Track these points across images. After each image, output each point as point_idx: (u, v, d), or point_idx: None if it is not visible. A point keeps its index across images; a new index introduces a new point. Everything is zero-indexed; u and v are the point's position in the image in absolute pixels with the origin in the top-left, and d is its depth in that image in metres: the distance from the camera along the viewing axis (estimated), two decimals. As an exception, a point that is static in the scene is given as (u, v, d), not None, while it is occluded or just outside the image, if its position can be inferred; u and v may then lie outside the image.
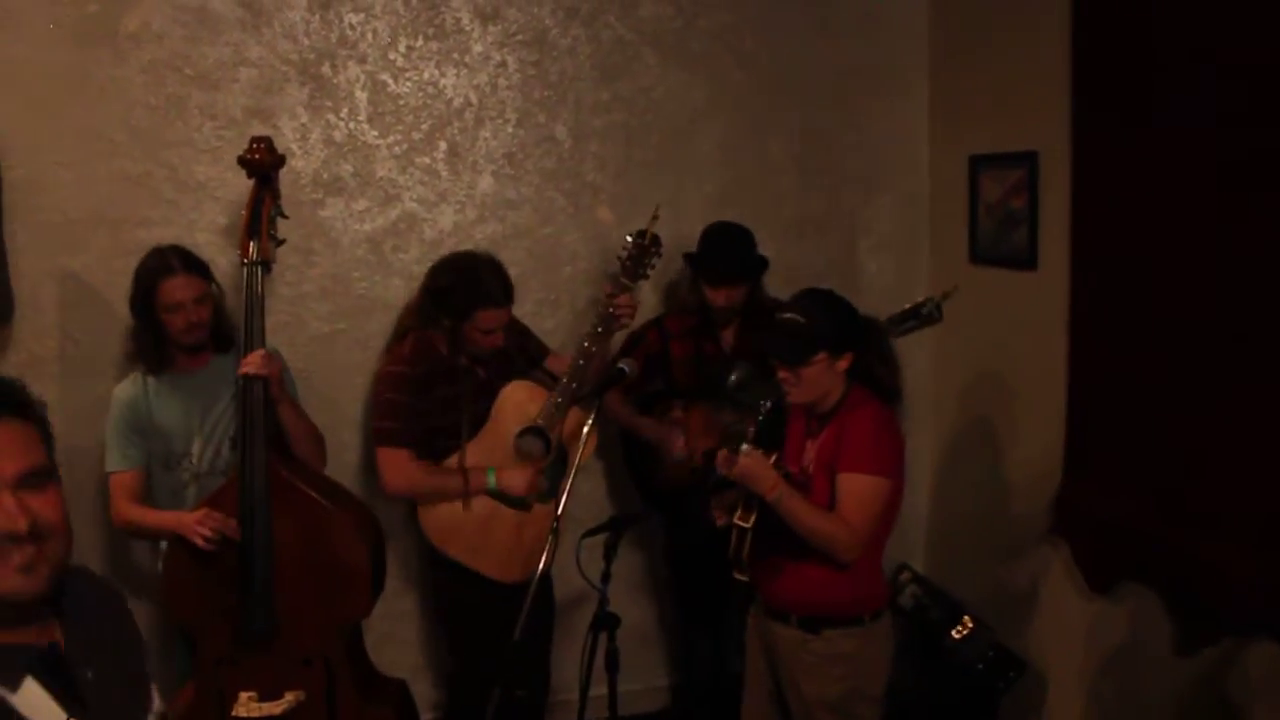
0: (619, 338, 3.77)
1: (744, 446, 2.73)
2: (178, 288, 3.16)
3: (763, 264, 3.73)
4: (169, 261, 3.20)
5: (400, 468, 3.35)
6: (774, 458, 2.81)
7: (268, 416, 3.13)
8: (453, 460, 3.43)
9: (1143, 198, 3.22)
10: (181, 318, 3.17)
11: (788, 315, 2.88)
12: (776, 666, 3.05)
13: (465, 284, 3.36)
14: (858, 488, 2.79)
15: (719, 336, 3.79)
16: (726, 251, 3.69)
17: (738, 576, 2.91)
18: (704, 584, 3.87)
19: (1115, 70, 3.32)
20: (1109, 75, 3.35)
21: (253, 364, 3.08)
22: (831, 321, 2.85)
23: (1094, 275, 3.47)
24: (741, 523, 2.82)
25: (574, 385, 3.47)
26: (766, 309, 3.57)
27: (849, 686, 2.91)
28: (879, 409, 2.87)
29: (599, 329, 3.48)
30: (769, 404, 2.89)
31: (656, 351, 3.82)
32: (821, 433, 2.92)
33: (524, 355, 3.68)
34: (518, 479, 3.43)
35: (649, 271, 3.56)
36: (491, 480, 3.41)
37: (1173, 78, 3.09)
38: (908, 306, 3.25)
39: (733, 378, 3.24)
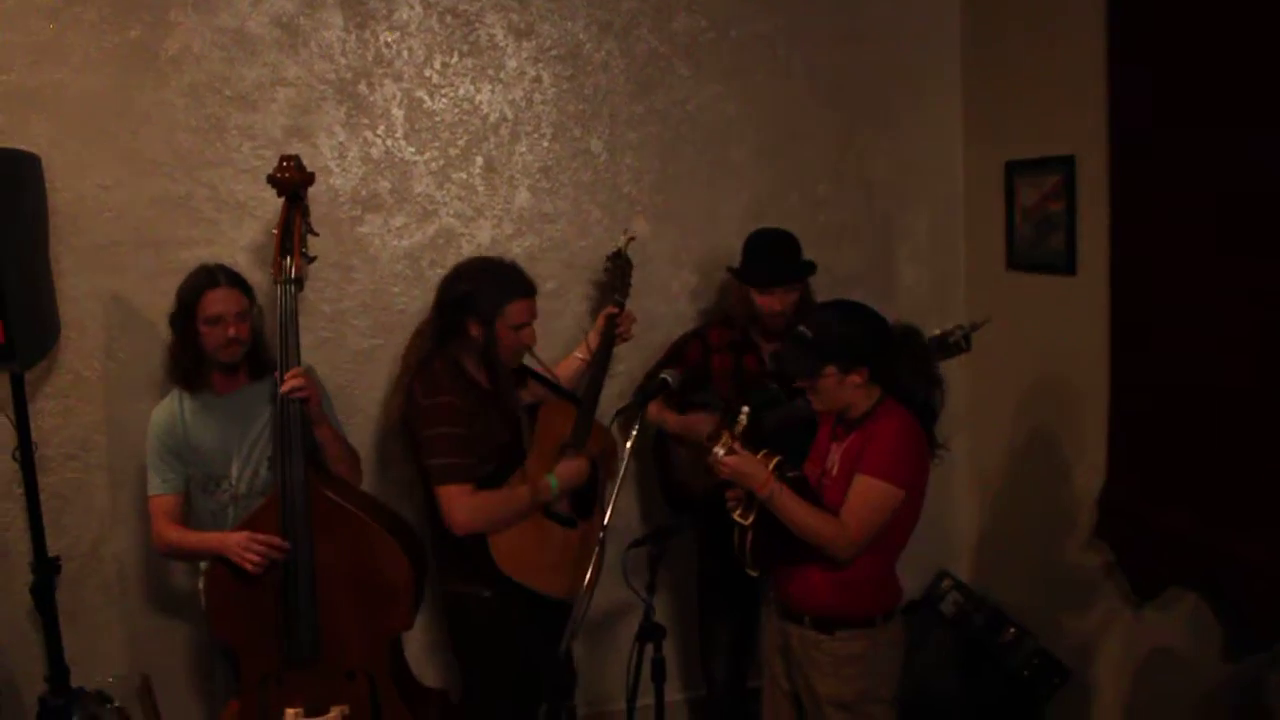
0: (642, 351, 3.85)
1: (718, 450, 2.81)
2: (220, 300, 3.19)
3: (811, 266, 3.67)
4: (214, 275, 3.23)
5: (470, 503, 3.22)
6: (775, 460, 2.85)
7: (305, 434, 3.14)
8: (513, 482, 3.36)
9: (1182, 200, 3.20)
10: (221, 331, 3.18)
11: (800, 328, 2.93)
12: (792, 667, 3.08)
13: (489, 281, 3.33)
14: (865, 490, 2.83)
15: (760, 350, 3.72)
16: (775, 254, 3.64)
17: (748, 572, 2.99)
18: (724, 603, 3.86)
19: (1153, 71, 3.29)
20: (1147, 76, 3.32)
21: (294, 383, 3.10)
22: (843, 337, 2.87)
23: (1134, 279, 3.44)
24: (741, 520, 2.90)
25: (593, 397, 3.58)
26: None
27: (861, 687, 2.95)
28: (906, 420, 2.89)
29: (604, 350, 3.64)
30: (746, 407, 2.93)
31: (698, 363, 3.76)
32: (848, 438, 2.95)
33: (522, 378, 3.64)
34: (576, 470, 3.40)
35: (627, 290, 3.76)
36: (554, 482, 3.35)
37: (1211, 78, 3.07)
38: (935, 334, 3.25)
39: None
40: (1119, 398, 3.53)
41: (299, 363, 3.16)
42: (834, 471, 2.97)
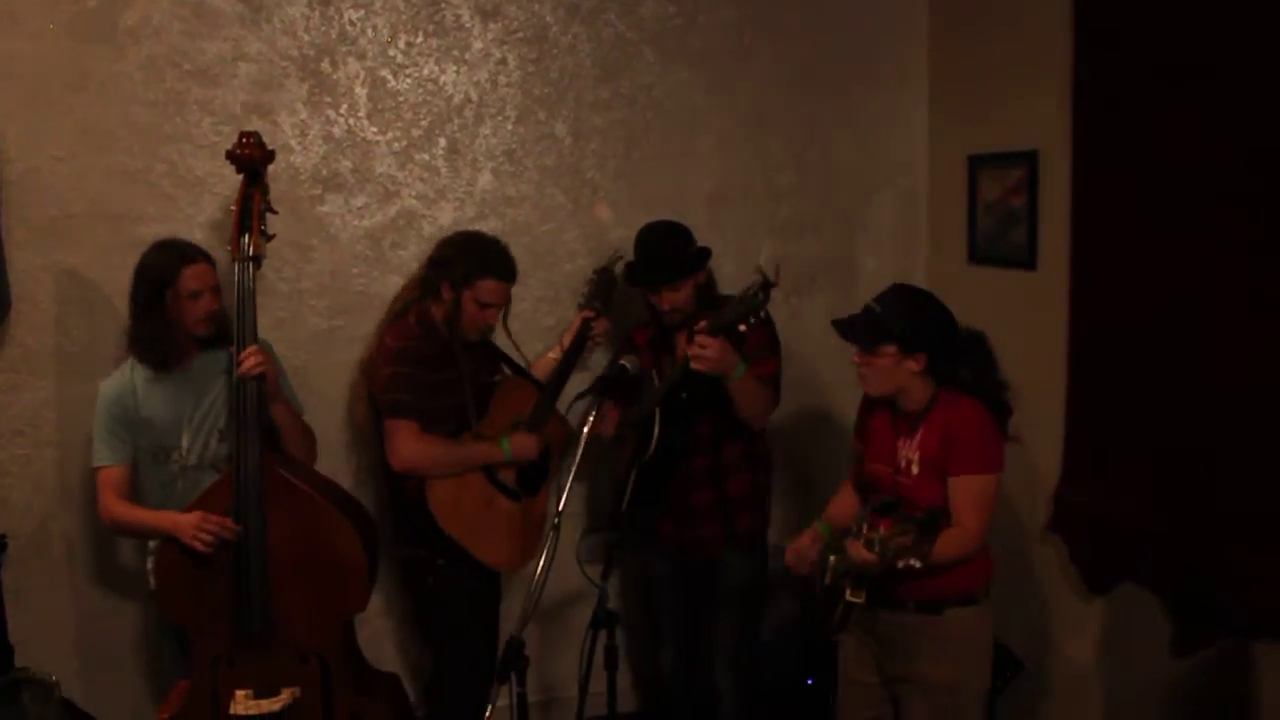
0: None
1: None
2: (198, 275, 3.17)
3: (699, 258, 3.55)
4: (187, 251, 3.21)
5: (415, 438, 3.31)
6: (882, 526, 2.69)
7: (261, 413, 3.11)
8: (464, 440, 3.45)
9: (1143, 196, 3.22)
10: (202, 305, 3.17)
11: (870, 302, 2.94)
12: (885, 658, 3.05)
13: (470, 251, 3.42)
14: (971, 489, 2.84)
15: (674, 346, 3.61)
16: (655, 252, 3.54)
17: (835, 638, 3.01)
18: (671, 599, 3.83)
19: (1117, 68, 3.31)
20: (1110, 73, 3.34)
21: (250, 362, 3.07)
22: (909, 319, 2.88)
23: (1094, 275, 3.46)
24: (854, 599, 2.84)
25: (555, 390, 3.65)
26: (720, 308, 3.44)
27: (967, 665, 2.97)
28: (975, 405, 2.90)
29: (575, 348, 3.71)
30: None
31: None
32: (917, 432, 2.93)
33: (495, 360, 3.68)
34: (529, 443, 3.49)
35: (608, 303, 3.82)
36: (506, 447, 3.44)
37: (1174, 74, 3.09)
38: (734, 297, 3.24)
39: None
40: (1076, 393, 3.55)
41: (255, 341, 3.13)
42: (914, 471, 2.93)
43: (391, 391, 3.33)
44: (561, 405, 3.70)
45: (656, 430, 3.39)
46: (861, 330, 2.90)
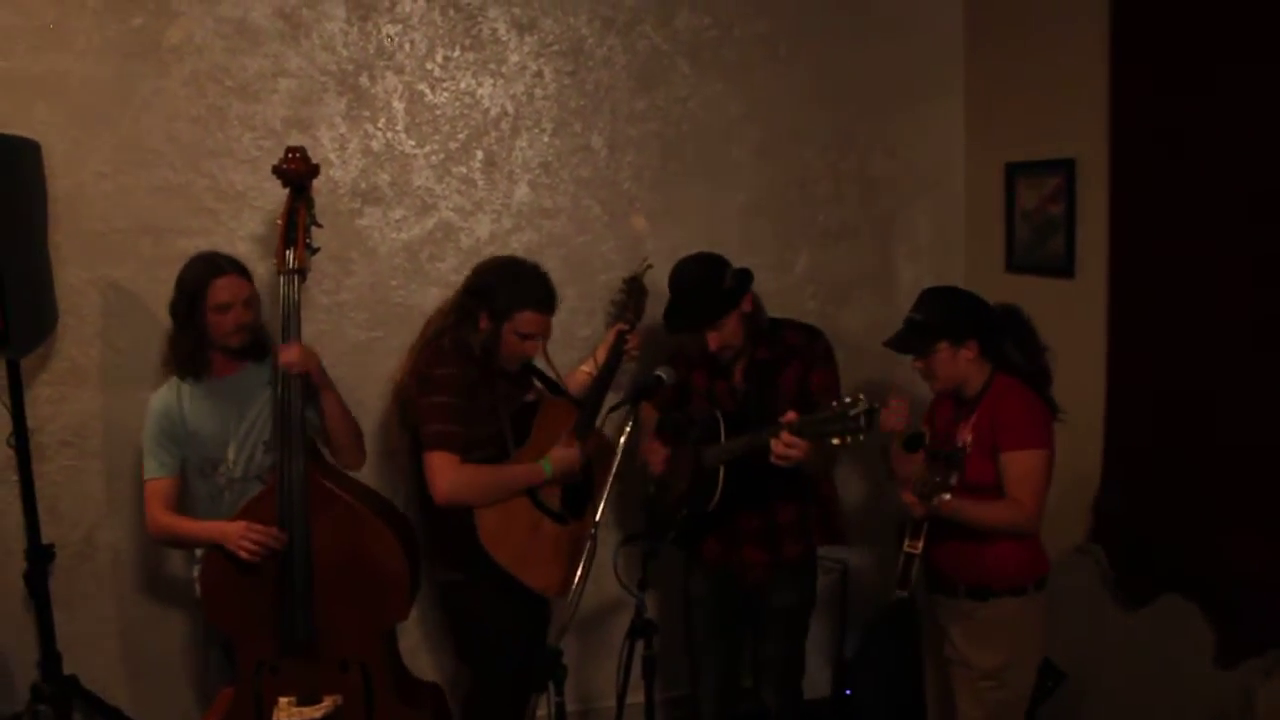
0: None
1: (940, 499, 2.76)
2: (228, 287, 3.21)
3: (736, 291, 3.34)
4: (218, 263, 3.25)
5: (455, 469, 3.23)
6: (954, 476, 2.79)
7: (305, 417, 3.14)
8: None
9: (1182, 204, 3.20)
10: (231, 318, 3.21)
11: (909, 315, 3.11)
12: (941, 641, 3.18)
13: (510, 283, 3.34)
14: (1019, 463, 2.94)
15: (730, 373, 3.48)
16: (688, 295, 3.36)
17: (898, 594, 2.96)
18: (713, 626, 3.71)
19: (1155, 74, 3.30)
20: (1148, 79, 3.33)
21: (291, 357, 3.10)
22: (947, 313, 3.05)
23: (1133, 283, 3.45)
24: (911, 550, 2.89)
25: (594, 405, 3.58)
26: (770, 335, 3.43)
27: (1012, 653, 3.06)
28: (1022, 389, 3.03)
29: (610, 364, 3.63)
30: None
31: (682, 376, 3.53)
32: (973, 416, 3.04)
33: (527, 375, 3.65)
34: (571, 455, 3.41)
35: (640, 313, 3.77)
36: (547, 466, 3.37)
37: (1212, 81, 3.07)
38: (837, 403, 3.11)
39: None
40: (1115, 402, 3.53)
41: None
42: (968, 450, 3.02)
43: (432, 423, 3.24)
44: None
45: (720, 486, 3.29)
46: (911, 340, 3.07)
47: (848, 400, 2.84)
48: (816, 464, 3.21)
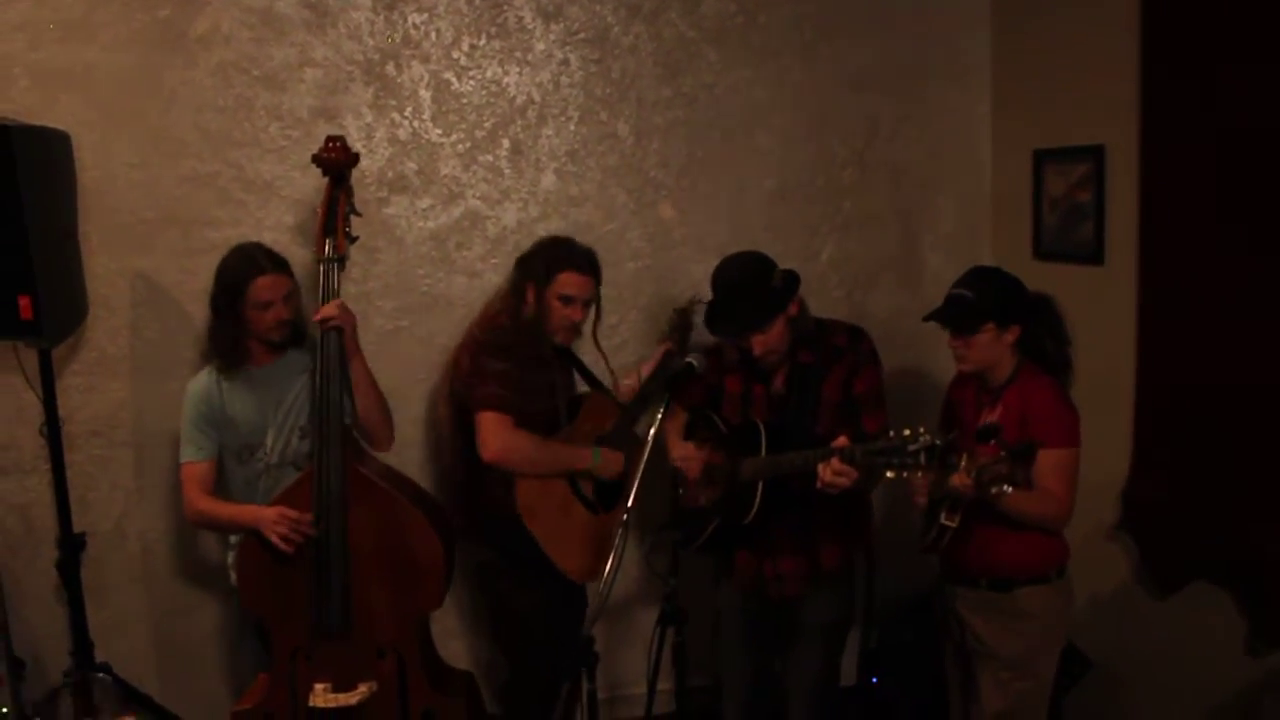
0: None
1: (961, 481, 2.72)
2: (269, 286, 3.22)
3: (785, 293, 3.16)
4: (259, 260, 3.24)
5: (507, 432, 3.25)
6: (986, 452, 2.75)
7: (344, 387, 3.16)
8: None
9: (1212, 191, 3.19)
10: (272, 315, 3.22)
11: (956, 291, 3.02)
12: (962, 633, 3.16)
13: (549, 248, 3.44)
14: (1055, 462, 2.89)
15: (768, 377, 3.30)
16: (734, 297, 3.17)
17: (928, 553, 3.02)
18: (741, 638, 3.56)
19: (1185, 60, 3.28)
20: (1178, 65, 3.31)
21: (331, 311, 3.12)
22: (996, 294, 2.99)
23: (1163, 270, 3.43)
24: (948, 523, 2.89)
25: (635, 414, 3.56)
26: (814, 337, 3.25)
27: (1035, 642, 3.06)
28: (1052, 381, 3.00)
29: (654, 379, 3.55)
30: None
31: (712, 381, 3.43)
32: (998, 405, 3.02)
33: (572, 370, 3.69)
34: (616, 461, 3.45)
35: (685, 347, 3.59)
36: (597, 456, 3.41)
37: (1243, 68, 3.05)
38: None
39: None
40: (1145, 390, 3.52)
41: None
42: (991, 441, 3.00)
43: (489, 385, 3.28)
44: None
45: (759, 502, 3.16)
46: (960, 316, 2.99)
47: (906, 433, 2.66)
48: (862, 486, 2.95)
